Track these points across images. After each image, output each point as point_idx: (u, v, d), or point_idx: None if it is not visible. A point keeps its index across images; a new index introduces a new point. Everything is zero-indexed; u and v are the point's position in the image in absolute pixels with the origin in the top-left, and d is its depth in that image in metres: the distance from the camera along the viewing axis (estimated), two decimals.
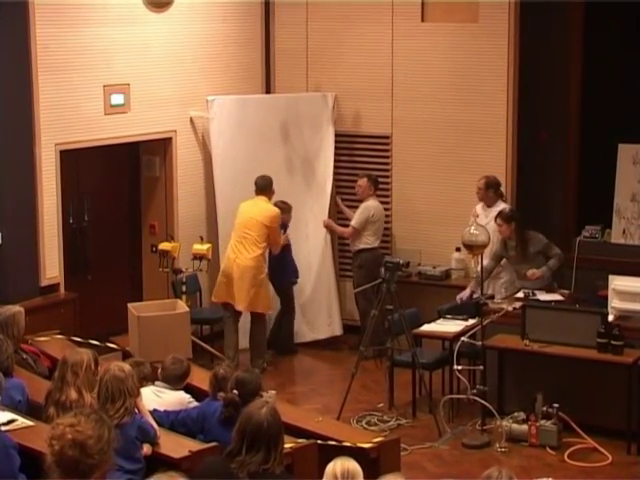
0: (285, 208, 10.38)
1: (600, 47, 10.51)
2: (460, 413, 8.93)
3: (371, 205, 10.71)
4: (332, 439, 6.65)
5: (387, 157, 11.18)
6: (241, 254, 9.97)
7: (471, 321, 9.22)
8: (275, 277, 10.50)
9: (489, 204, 10.02)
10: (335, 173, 11.14)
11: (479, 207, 10.08)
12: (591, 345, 8.32)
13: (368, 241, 10.72)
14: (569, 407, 8.32)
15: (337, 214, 11.24)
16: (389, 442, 7.01)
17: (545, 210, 10.60)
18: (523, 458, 8.11)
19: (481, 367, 8.69)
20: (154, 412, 6.57)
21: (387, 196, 11.14)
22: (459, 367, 8.63)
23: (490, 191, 10.03)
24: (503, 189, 10.21)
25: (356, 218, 10.71)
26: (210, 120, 10.69)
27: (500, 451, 8.19)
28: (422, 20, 10.87)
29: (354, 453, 5.76)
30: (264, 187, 10.14)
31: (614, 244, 10.44)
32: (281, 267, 10.54)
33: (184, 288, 10.17)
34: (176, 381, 7.16)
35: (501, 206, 9.85)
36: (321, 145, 11.10)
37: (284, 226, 10.43)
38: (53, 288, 9.67)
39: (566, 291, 9.70)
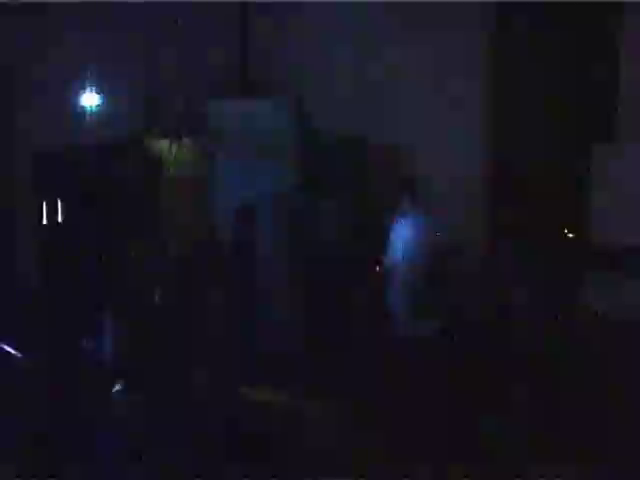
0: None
1: (577, 46, 10.57)
2: None
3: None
4: None
5: (367, 160, 11.12)
6: None
7: None
8: None
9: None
10: (313, 178, 11.06)
11: None
12: None
13: None
14: None
15: None
16: None
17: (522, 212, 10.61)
18: None
19: None
20: None
21: (375, 197, 11.08)
22: None
23: (404, 195, 9.50)
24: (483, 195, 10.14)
25: None
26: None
27: None
28: (407, 22, 10.89)
29: None
30: None
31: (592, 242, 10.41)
32: None
33: None
34: None
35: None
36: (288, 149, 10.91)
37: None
38: (28, 289, 9.66)
39: None
